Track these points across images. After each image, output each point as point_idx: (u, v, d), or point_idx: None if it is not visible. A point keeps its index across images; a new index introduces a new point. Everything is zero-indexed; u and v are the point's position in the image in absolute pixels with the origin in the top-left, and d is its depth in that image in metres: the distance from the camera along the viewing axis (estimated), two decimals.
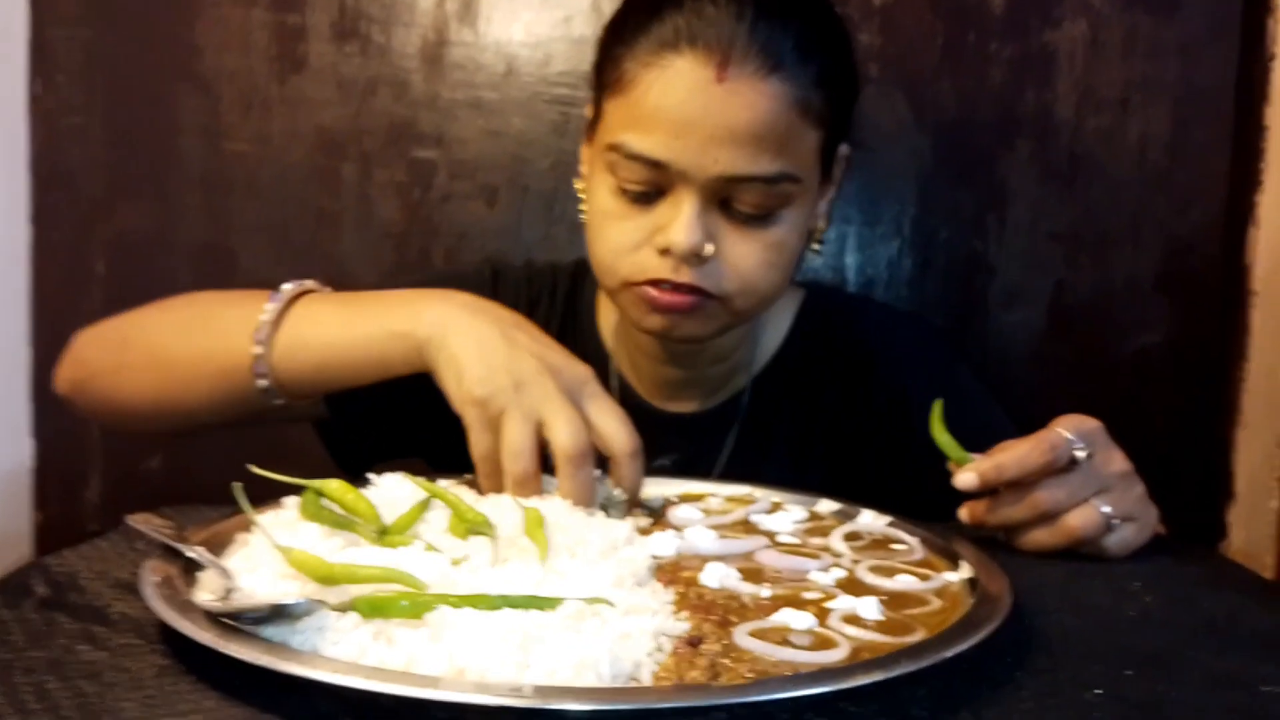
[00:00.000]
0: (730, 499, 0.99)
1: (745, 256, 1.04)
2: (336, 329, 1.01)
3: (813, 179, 1.07)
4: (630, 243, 1.05)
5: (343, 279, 1.55)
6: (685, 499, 0.99)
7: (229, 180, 1.57)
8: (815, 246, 1.13)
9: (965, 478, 0.92)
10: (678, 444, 1.14)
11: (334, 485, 0.79)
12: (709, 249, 1.02)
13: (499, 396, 0.90)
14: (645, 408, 1.20)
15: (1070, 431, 0.93)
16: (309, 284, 1.06)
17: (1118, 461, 0.95)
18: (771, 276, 1.07)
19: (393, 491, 0.85)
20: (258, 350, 1.00)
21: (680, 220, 1.01)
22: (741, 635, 0.66)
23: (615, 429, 0.91)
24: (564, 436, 0.88)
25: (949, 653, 0.62)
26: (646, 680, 0.60)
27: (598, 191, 1.07)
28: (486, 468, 0.90)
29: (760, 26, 1.00)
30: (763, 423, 1.20)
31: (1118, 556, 0.94)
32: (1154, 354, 1.55)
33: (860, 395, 1.21)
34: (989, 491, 0.93)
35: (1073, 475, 0.92)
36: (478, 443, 0.90)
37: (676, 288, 1.03)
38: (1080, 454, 0.92)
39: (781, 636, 0.66)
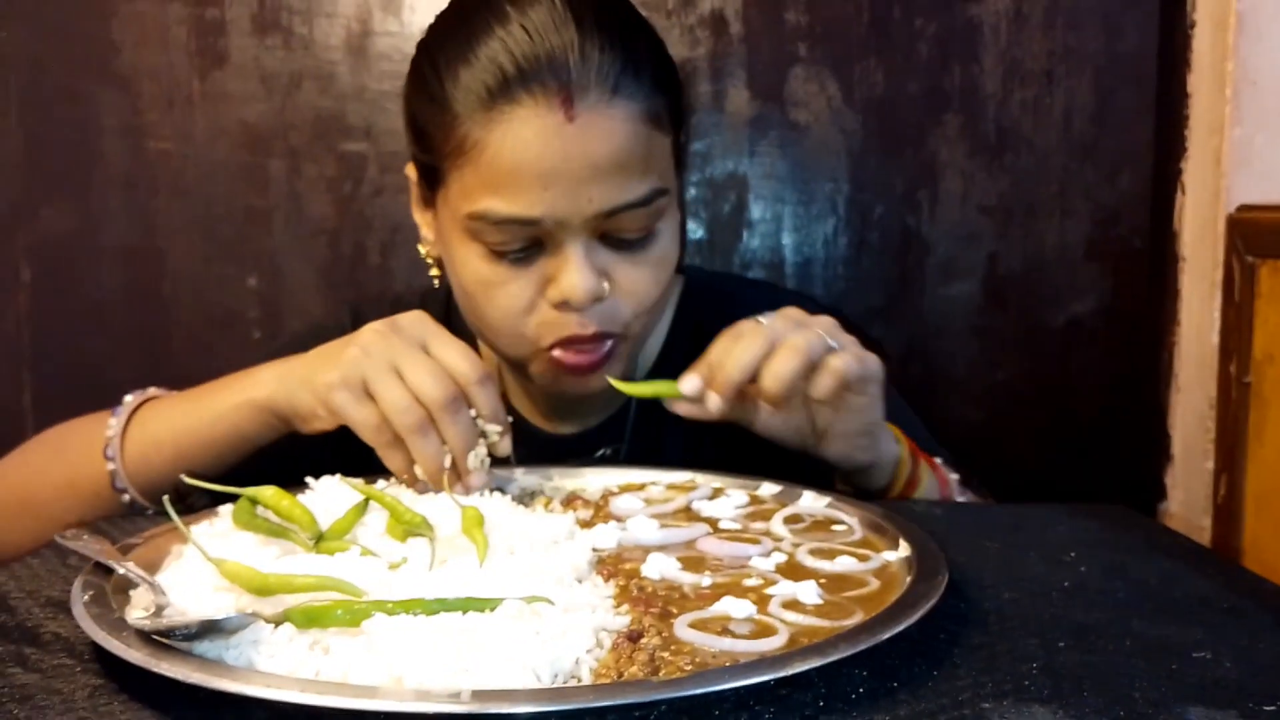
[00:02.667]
0: (671, 486, 0.99)
1: (638, 282, 1.01)
2: (181, 419, 1.00)
3: (675, 183, 1.05)
4: (522, 304, 1.00)
5: (276, 277, 1.55)
6: (626, 489, 0.98)
7: (153, 180, 1.54)
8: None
9: (688, 381, 0.93)
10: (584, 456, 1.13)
11: (269, 493, 0.78)
12: (606, 288, 0.99)
13: (353, 368, 0.90)
14: (535, 433, 1.18)
15: (757, 317, 0.95)
16: (151, 391, 1.05)
17: (815, 317, 0.96)
18: (661, 292, 1.04)
19: (330, 496, 0.84)
20: (111, 467, 1.00)
21: (570, 270, 0.97)
22: (681, 627, 0.66)
23: (460, 361, 0.90)
24: (428, 387, 0.88)
25: (885, 635, 0.62)
26: (586, 678, 0.60)
27: (466, 260, 1.01)
28: (384, 438, 0.89)
29: (588, 48, 0.94)
30: (651, 428, 1.17)
31: (853, 377, 0.93)
32: (1087, 322, 1.58)
33: None
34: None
35: (764, 323, 0.94)
36: (361, 420, 0.89)
37: (586, 342, 1.00)
38: (761, 320, 0.94)
39: (721, 626, 0.66)
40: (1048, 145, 1.55)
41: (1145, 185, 1.56)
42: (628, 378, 1.09)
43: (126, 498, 1.01)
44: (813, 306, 1.27)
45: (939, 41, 1.54)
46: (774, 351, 0.91)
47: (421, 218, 1.10)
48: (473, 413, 0.91)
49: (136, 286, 1.55)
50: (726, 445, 1.15)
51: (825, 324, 0.95)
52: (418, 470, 0.90)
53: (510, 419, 0.93)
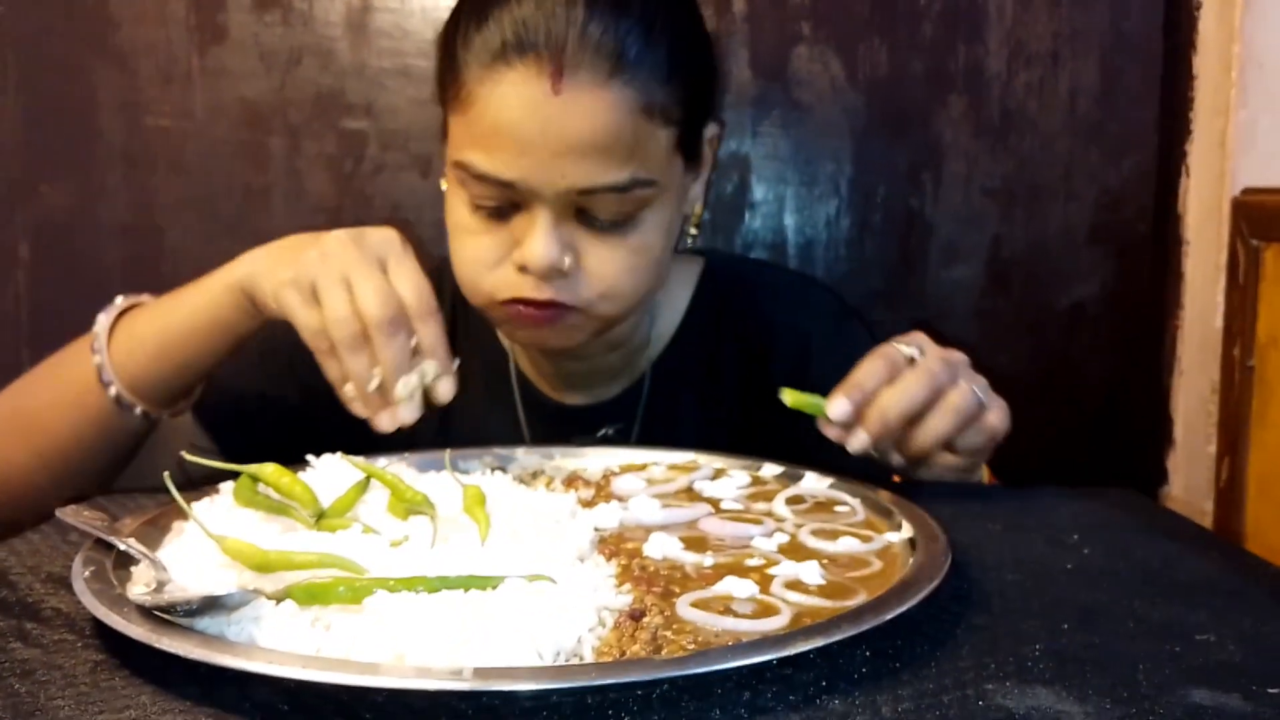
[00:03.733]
0: (673, 467, 0.99)
1: (606, 264, 1.01)
2: (166, 312, 1.00)
3: (671, 176, 1.03)
4: (490, 259, 1.02)
5: None
6: (627, 469, 0.98)
7: (152, 156, 1.54)
8: (692, 231, 1.12)
9: (838, 404, 0.91)
10: (589, 433, 1.13)
11: (269, 470, 0.77)
12: (567, 262, 0.99)
13: (307, 271, 0.90)
14: (547, 403, 1.19)
15: (895, 341, 0.95)
16: (143, 297, 1.05)
17: (955, 354, 0.95)
18: (637, 280, 1.04)
19: (331, 473, 0.84)
20: (97, 360, 1.00)
21: (534, 237, 0.98)
22: (684, 606, 0.65)
23: (410, 290, 0.90)
24: (370, 304, 0.87)
25: (888, 615, 0.62)
26: (588, 656, 0.60)
27: (453, 205, 1.04)
28: (322, 344, 0.89)
29: (592, 28, 0.95)
30: (666, 405, 1.19)
31: (1000, 433, 0.94)
32: (1090, 305, 1.58)
33: (759, 366, 1.20)
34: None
35: (923, 364, 0.92)
36: (304, 321, 0.89)
37: (536, 304, 1.01)
38: (910, 351, 0.93)
39: (724, 605, 0.66)
40: (1052, 127, 1.54)
41: (1150, 168, 1.55)
42: (628, 352, 1.08)
43: (113, 391, 1.00)
44: (828, 296, 1.28)
45: (943, 21, 1.53)
46: (935, 406, 0.90)
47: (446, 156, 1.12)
48: (414, 343, 0.90)
49: (136, 264, 1.55)
50: (741, 432, 1.16)
51: (963, 364, 0.95)
52: (348, 388, 0.89)
53: (456, 362, 0.92)
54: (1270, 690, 0.59)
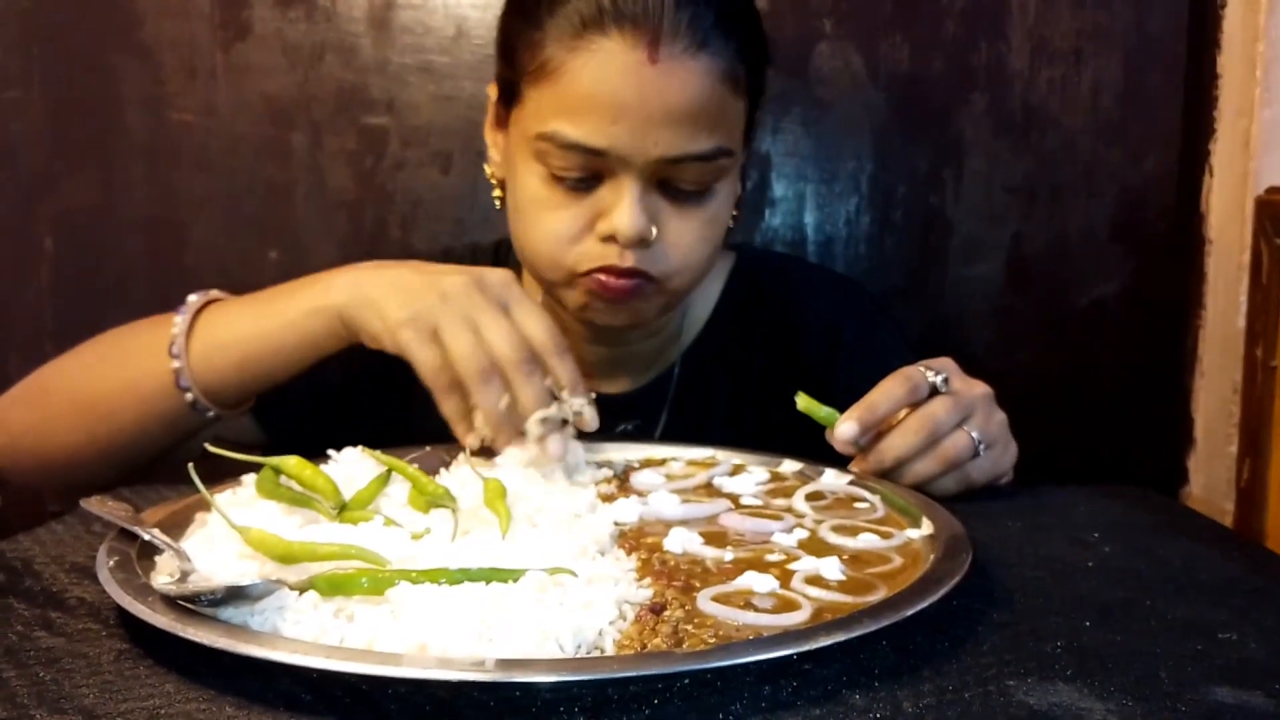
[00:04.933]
0: (692, 462, 0.99)
1: (684, 234, 1.03)
2: (250, 323, 1.00)
3: (740, 150, 1.07)
4: (570, 232, 1.02)
5: (297, 251, 1.55)
6: (647, 464, 0.98)
7: (175, 152, 1.54)
8: (734, 213, 1.12)
9: (845, 427, 0.93)
10: (611, 426, 1.15)
11: (292, 462, 0.78)
12: (654, 232, 1.01)
13: (428, 312, 0.90)
14: None
15: (921, 365, 0.96)
16: (214, 293, 1.05)
17: (978, 387, 0.98)
18: (709, 251, 1.07)
19: (352, 466, 0.84)
20: (176, 365, 0.99)
21: (624, 206, 1.00)
22: (704, 600, 0.66)
23: (540, 330, 0.91)
24: (503, 344, 0.89)
25: (909, 611, 0.62)
26: (609, 649, 0.60)
27: (526, 180, 1.04)
28: (442, 381, 0.89)
29: (683, 2, 0.98)
30: (695, 396, 1.20)
31: (979, 483, 0.97)
32: (1111, 304, 1.57)
33: (788, 359, 1.22)
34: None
35: (940, 400, 0.95)
36: (424, 359, 0.89)
37: (621, 273, 1.02)
38: (935, 379, 0.95)
39: (744, 600, 0.66)
40: (1074, 125, 1.54)
41: (1172, 167, 1.54)
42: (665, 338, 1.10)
43: (190, 397, 1.00)
44: (856, 291, 1.28)
45: (966, 18, 1.52)
46: (927, 452, 0.94)
47: (492, 138, 1.13)
48: (548, 381, 0.91)
49: (158, 259, 1.56)
50: (768, 423, 1.16)
51: (981, 403, 0.96)
52: (478, 420, 0.90)
53: (593, 394, 0.93)
54: None
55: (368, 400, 1.11)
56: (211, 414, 1.02)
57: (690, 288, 1.09)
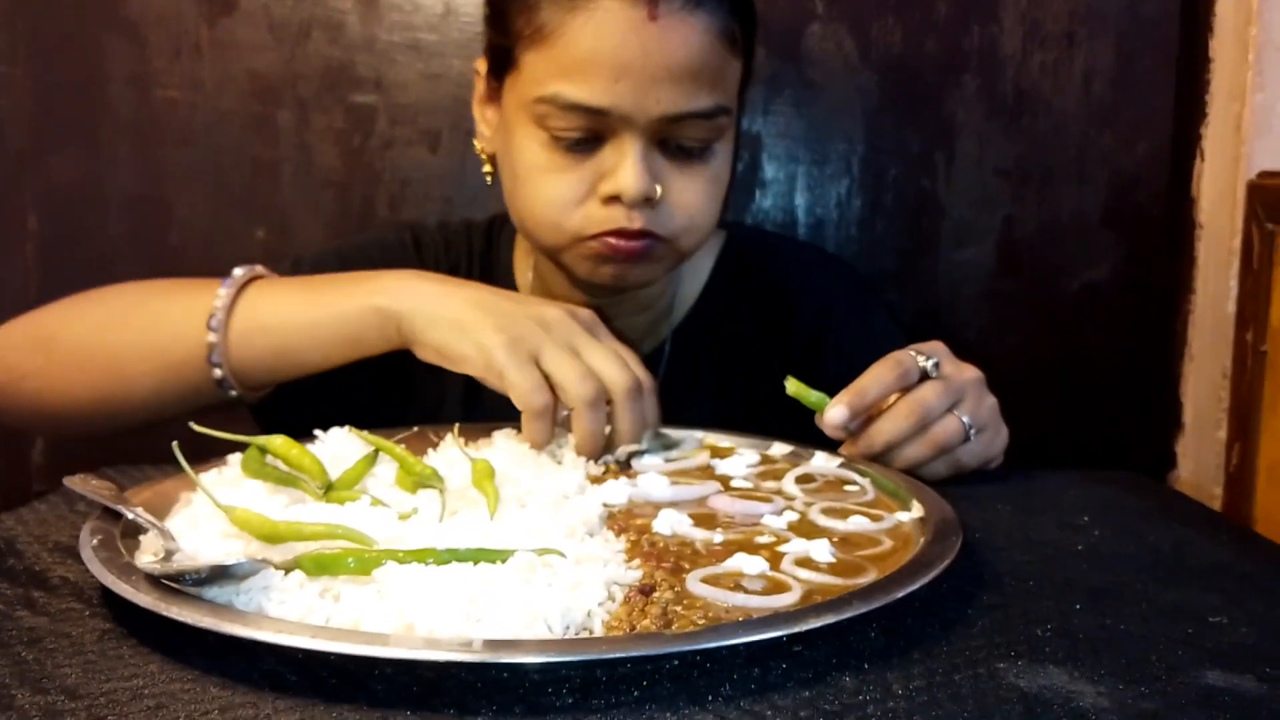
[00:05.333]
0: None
1: (689, 193, 1.03)
2: (299, 309, 0.98)
3: (737, 109, 1.07)
4: (574, 195, 1.02)
5: (284, 230, 1.54)
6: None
7: (161, 129, 1.53)
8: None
9: (835, 411, 0.93)
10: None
11: (278, 441, 0.77)
12: (658, 190, 1.01)
13: (530, 336, 0.91)
14: None
15: (912, 349, 0.97)
16: (259, 269, 1.03)
17: (969, 371, 0.98)
18: (712, 210, 1.07)
19: (339, 446, 0.84)
20: (212, 338, 0.97)
21: (628, 165, 0.99)
22: (694, 582, 0.65)
23: (635, 362, 0.93)
24: (614, 371, 0.90)
25: (900, 593, 0.62)
26: (598, 630, 0.60)
27: (524, 147, 1.03)
28: (538, 403, 0.89)
29: None
30: (685, 373, 1.20)
31: (970, 467, 0.97)
32: (1101, 288, 1.57)
33: (778, 337, 1.22)
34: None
35: (931, 385, 0.95)
36: (521, 379, 0.89)
37: (630, 235, 1.02)
38: (926, 364, 0.95)
39: (734, 582, 0.66)
40: (1066, 109, 1.53)
41: (1164, 151, 1.54)
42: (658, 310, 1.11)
43: (218, 374, 0.98)
44: (846, 271, 1.28)
45: (958, 1, 1.51)
46: (917, 437, 0.94)
47: (481, 113, 1.12)
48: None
49: (144, 237, 1.54)
50: (759, 401, 1.16)
51: (971, 387, 0.97)
52: (571, 445, 0.91)
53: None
54: None
55: (368, 391, 1.10)
56: (234, 394, 1.00)
57: (696, 247, 1.09)
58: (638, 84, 0.97)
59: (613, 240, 1.02)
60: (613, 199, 1.01)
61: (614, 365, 0.91)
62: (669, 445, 0.97)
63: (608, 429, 0.91)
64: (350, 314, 0.96)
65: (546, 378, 0.90)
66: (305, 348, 0.98)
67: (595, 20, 0.97)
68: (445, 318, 0.93)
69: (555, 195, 1.02)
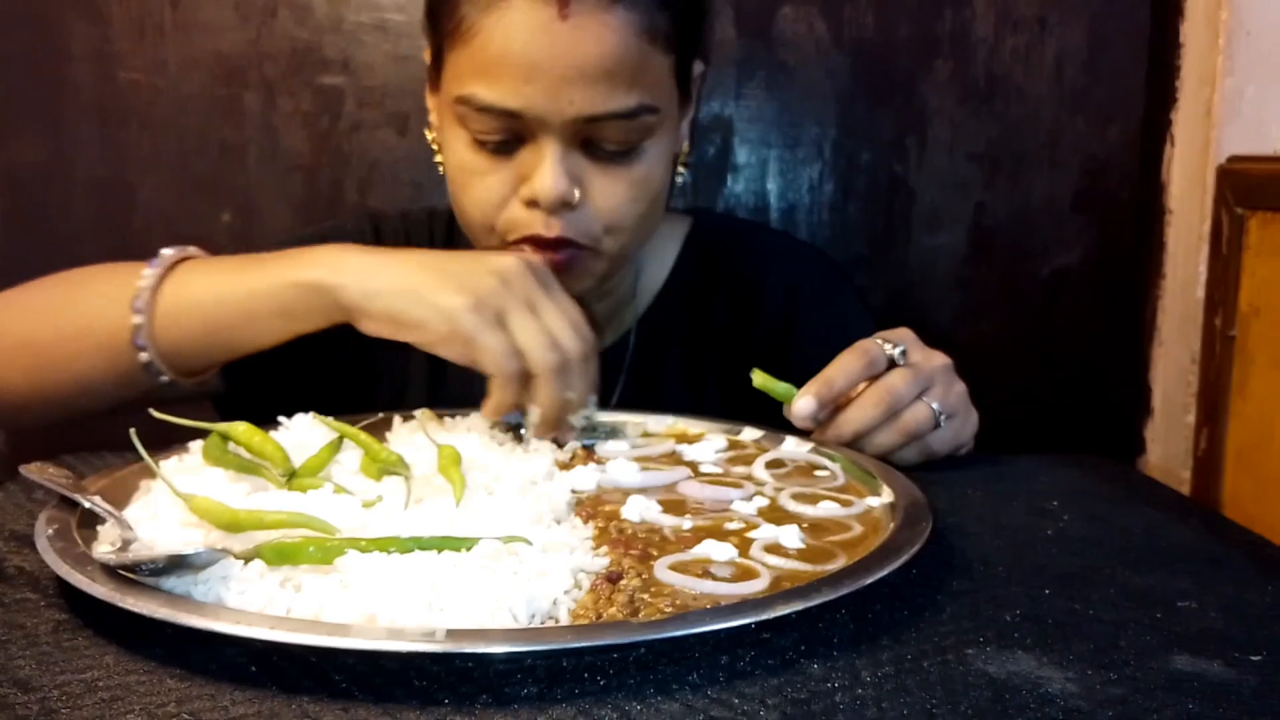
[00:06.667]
0: (649, 434, 0.98)
1: (612, 196, 1.01)
2: (228, 285, 0.95)
3: (671, 105, 1.04)
4: (496, 197, 1.00)
5: (250, 214, 1.52)
6: (613, 435, 0.97)
7: (124, 110, 1.50)
8: (681, 170, 1.11)
9: (803, 402, 0.93)
10: None
11: (240, 428, 0.76)
12: (576, 194, 0.98)
13: (493, 297, 0.88)
14: None
15: (879, 337, 0.96)
16: (191, 250, 1.00)
17: (937, 358, 0.97)
18: (640, 212, 1.03)
19: (303, 433, 0.82)
20: (137, 320, 0.94)
21: (543, 169, 0.97)
22: (662, 569, 0.65)
23: (580, 323, 0.91)
24: (568, 337, 0.89)
25: (869, 579, 0.62)
26: (564, 619, 0.59)
27: (452, 146, 1.02)
28: (510, 368, 0.87)
29: None
30: (652, 360, 1.18)
31: (940, 454, 0.97)
32: (1072, 273, 1.57)
33: (746, 324, 1.20)
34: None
35: (899, 372, 0.94)
36: (494, 344, 0.87)
37: (549, 245, 0.99)
38: (893, 351, 0.95)
39: (702, 569, 0.65)
40: (1038, 93, 1.53)
41: (1135, 136, 1.54)
42: (612, 301, 1.09)
43: (145, 357, 0.95)
44: (816, 257, 1.27)
45: None
46: (886, 424, 0.93)
47: (431, 102, 1.10)
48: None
49: (107, 220, 1.52)
50: (727, 388, 1.15)
51: (940, 374, 0.96)
52: (534, 413, 0.89)
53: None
54: (1253, 658, 0.58)
55: (331, 378, 1.09)
56: (166, 379, 0.97)
57: (629, 250, 1.07)
58: (549, 85, 0.95)
59: (529, 249, 1.00)
60: (532, 202, 0.98)
61: (569, 328, 0.89)
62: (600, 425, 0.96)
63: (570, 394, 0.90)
64: (282, 287, 0.93)
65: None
66: (236, 324, 0.94)
67: (506, 19, 0.94)
68: (393, 285, 0.90)
69: (480, 197, 1.01)
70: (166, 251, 0.98)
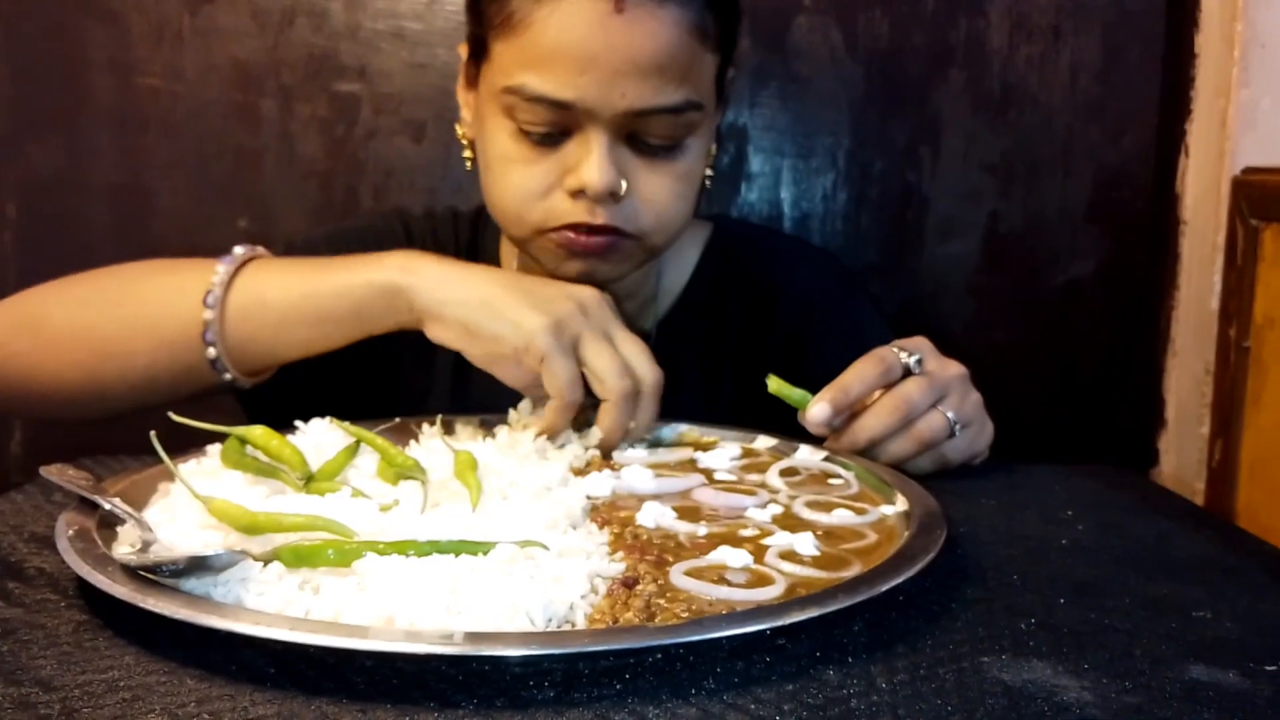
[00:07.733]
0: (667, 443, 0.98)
1: (657, 190, 1.02)
2: (300, 284, 0.96)
3: (712, 104, 1.05)
4: (539, 187, 1.01)
5: (266, 219, 1.53)
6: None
7: (142, 117, 1.51)
8: (709, 173, 1.11)
9: (818, 409, 0.93)
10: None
11: (258, 432, 0.77)
12: (623, 186, 1.00)
13: (571, 322, 0.90)
14: None
15: (895, 345, 0.96)
16: (259, 249, 1.02)
17: (953, 367, 0.98)
18: (682, 208, 1.05)
19: (320, 437, 0.83)
20: (208, 315, 0.96)
21: (592, 160, 0.98)
22: (677, 575, 0.65)
23: (651, 356, 0.94)
24: (644, 367, 0.91)
25: (884, 587, 0.62)
26: (580, 623, 0.59)
27: (495, 136, 1.02)
28: (572, 395, 0.89)
29: None
30: (670, 365, 1.17)
31: (955, 463, 0.97)
32: (1086, 284, 1.57)
33: (763, 330, 1.21)
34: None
35: (915, 380, 0.95)
36: (564, 369, 0.88)
37: (593, 230, 1.01)
38: (909, 360, 0.95)
39: (718, 575, 0.66)
40: (1052, 103, 1.53)
41: (1149, 146, 1.54)
42: (639, 305, 1.11)
43: (212, 353, 0.96)
44: (832, 265, 1.28)
45: None
46: (901, 433, 0.94)
47: (464, 98, 1.11)
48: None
49: (125, 226, 1.53)
50: (744, 393, 1.15)
51: (956, 383, 0.96)
52: (591, 436, 0.91)
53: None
54: (1269, 668, 0.58)
55: (355, 381, 1.09)
56: (228, 376, 0.98)
57: (667, 244, 1.08)
58: (602, 77, 0.96)
59: (572, 234, 1.01)
60: (578, 193, 1.00)
61: (644, 359, 0.92)
62: (655, 442, 0.97)
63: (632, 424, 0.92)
64: (355, 286, 0.95)
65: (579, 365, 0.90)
66: (307, 323, 0.96)
67: (561, 11, 0.95)
68: (468, 296, 0.92)
69: (520, 186, 1.02)
70: (238, 249, 1.00)
